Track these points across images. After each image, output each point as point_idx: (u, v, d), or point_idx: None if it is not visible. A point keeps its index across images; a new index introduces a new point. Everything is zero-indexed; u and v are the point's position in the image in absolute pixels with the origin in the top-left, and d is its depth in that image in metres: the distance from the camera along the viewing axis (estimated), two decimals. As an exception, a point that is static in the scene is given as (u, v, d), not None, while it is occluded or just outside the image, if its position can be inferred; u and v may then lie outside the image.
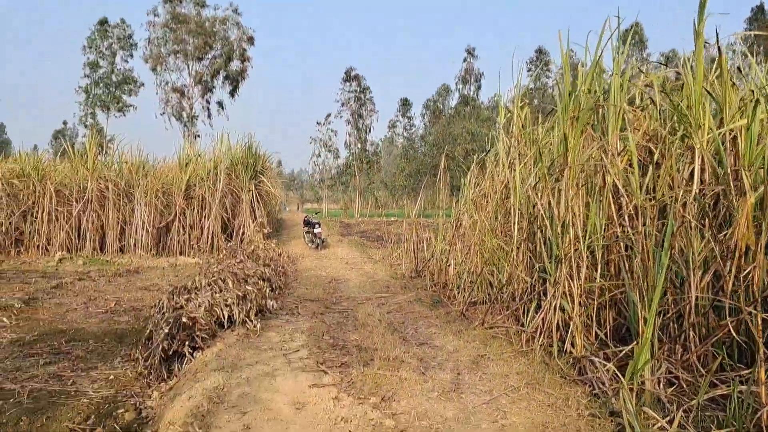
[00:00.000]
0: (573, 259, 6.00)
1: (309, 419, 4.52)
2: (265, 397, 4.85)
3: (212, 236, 18.75)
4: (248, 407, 4.68)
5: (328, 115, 54.27)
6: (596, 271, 6.02)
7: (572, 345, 5.87)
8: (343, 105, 53.77)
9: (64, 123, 77.20)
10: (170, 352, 6.09)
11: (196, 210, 19.03)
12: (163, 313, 6.58)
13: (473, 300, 8.85)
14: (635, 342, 5.07)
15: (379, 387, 5.15)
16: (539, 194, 6.98)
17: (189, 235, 18.69)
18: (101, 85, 51.62)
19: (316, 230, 19.10)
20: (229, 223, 19.54)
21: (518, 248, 7.80)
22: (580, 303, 5.93)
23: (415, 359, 6.06)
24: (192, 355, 6.15)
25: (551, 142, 7.96)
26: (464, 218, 10.80)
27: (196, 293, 6.89)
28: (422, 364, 5.89)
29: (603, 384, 4.94)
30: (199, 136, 50.88)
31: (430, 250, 13.61)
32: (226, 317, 6.87)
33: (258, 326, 7.05)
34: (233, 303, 6.96)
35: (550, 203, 6.83)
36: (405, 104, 60.41)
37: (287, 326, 7.49)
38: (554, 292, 6.20)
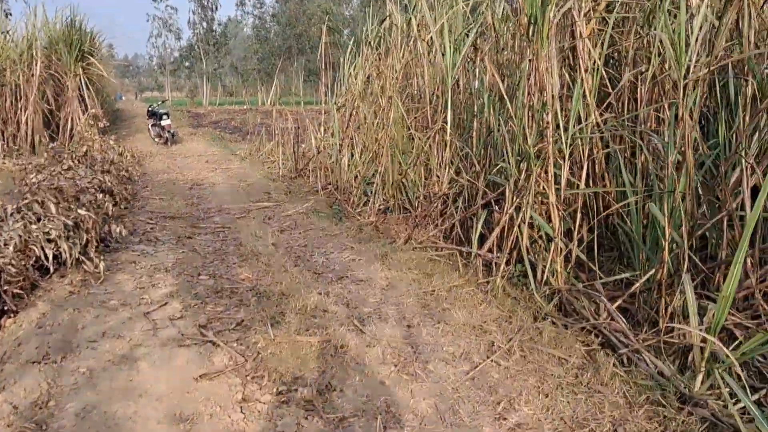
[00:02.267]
0: (549, 156, 4.41)
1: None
2: (124, 413, 2.88)
3: (32, 133, 15.16)
4: (94, 440, 2.72)
5: (166, -10, 47.57)
6: (581, 172, 4.51)
7: (551, 274, 4.41)
8: (182, -22, 47.28)
9: None
10: (-44, 326, 3.82)
11: (8, 101, 15.18)
12: (-58, 261, 4.17)
13: (384, 207, 7.17)
14: (656, 268, 3.67)
15: (304, 365, 3.37)
16: (488, 67, 5.20)
17: (2, 132, 14.95)
18: None
19: (164, 122, 16.07)
20: (52, 116, 15.91)
21: (448, 143, 6.12)
22: (559, 217, 4.42)
23: (341, 305, 4.31)
24: (-5, 325, 3.93)
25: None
26: (360, 106, 8.87)
27: (-4, 226, 4.50)
28: (354, 313, 4.16)
29: (623, 337, 3.54)
30: (11, 14, 42.58)
31: (311, 145, 11.60)
32: (51, 258, 4.60)
33: (101, 266, 4.86)
34: (60, 236, 4.66)
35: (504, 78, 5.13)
36: (253, -21, 54.49)
37: (144, 261, 5.35)
38: (519, 200, 4.63)
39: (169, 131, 15.92)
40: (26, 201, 4.83)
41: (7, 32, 15.45)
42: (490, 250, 4.96)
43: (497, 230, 4.88)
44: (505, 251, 4.75)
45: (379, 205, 7.26)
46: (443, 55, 6.85)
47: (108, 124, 15.84)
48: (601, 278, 4.29)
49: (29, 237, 4.49)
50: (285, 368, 3.31)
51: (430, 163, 6.81)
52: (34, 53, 15.01)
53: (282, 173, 10.84)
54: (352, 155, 9.15)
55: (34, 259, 4.52)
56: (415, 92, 8.09)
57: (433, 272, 4.95)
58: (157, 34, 47.93)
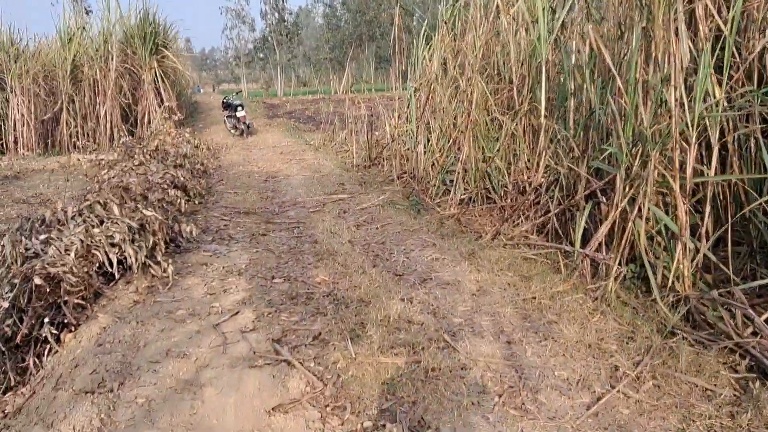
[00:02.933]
0: (676, 139, 3.71)
1: None
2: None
3: (111, 127, 15.46)
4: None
5: (238, -19, 48.20)
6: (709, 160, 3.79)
7: (676, 278, 3.74)
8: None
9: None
10: (19, 339, 3.58)
11: (87, 96, 15.53)
12: (8, 267, 3.96)
13: (465, 197, 6.60)
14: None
15: (391, 392, 2.89)
16: (591, 36, 4.50)
17: (82, 127, 15.32)
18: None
19: (239, 113, 16.02)
20: (130, 110, 16.17)
21: (543, 125, 5.47)
22: (685, 210, 3.73)
23: (426, 314, 3.80)
24: (58, 339, 3.67)
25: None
26: (437, 89, 8.30)
27: (60, 230, 4.26)
28: (442, 324, 3.65)
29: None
30: (91, 11, 44.34)
31: (385, 132, 11.13)
32: (116, 263, 4.33)
33: (170, 270, 4.56)
34: (124, 239, 4.38)
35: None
36: (323, -33, 54.47)
37: (216, 263, 5.03)
38: (633, 190, 3.96)
39: (244, 123, 15.86)
40: (88, 202, 4.57)
41: (84, 28, 15.76)
42: (596, 249, 4.32)
43: (606, 225, 4.22)
44: (617, 250, 4.10)
45: (461, 195, 6.69)
46: (532, 26, 6.20)
47: (182, 116, 15.94)
48: (736, 283, 3.59)
49: (91, 242, 4.22)
50: (369, 397, 2.84)
51: (518, 149, 6.18)
52: (110, 48, 15.25)
53: (356, 162, 10.42)
54: (428, 141, 8.61)
55: (97, 265, 4.26)
56: (494, 72, 7.46)
57: (530, 274, 4.35)
58: (231, 26, 48.83)
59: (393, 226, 6.01)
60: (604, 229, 4.24)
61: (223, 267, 4.91)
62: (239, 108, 16.02)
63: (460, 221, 6.03)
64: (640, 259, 4.02)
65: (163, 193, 6.75)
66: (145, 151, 8.25)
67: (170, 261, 4.67)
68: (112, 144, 14.77)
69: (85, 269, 4.14)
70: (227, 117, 16.72)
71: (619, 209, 4.05)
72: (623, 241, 3.99)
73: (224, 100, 17.47)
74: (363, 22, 47.44)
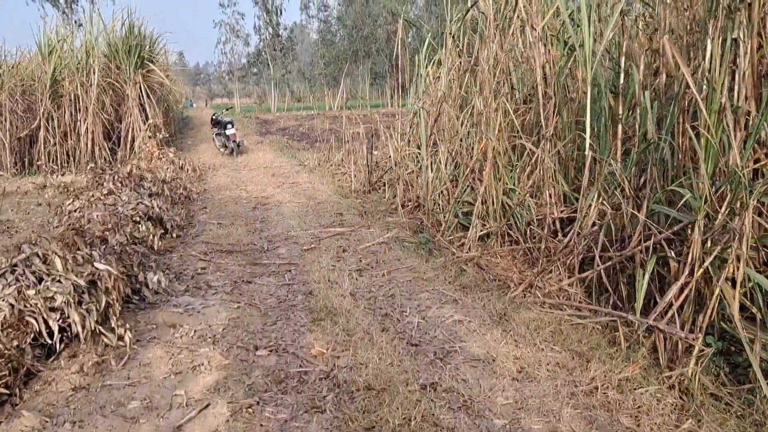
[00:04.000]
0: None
1: None
2: None
3: (92, 145, 14.53)
4: None
5: (232, -6, 47.38)
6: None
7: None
8: (248, -17, 47.23)
9: None
10: None
11: (68, 112, 14.62)
12: None
13: (483, 233, 5.70)
14: None
15: None
16: (667, 48, 3.62)
17: (60, 145, 14.38)
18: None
19: (228, 131, 15.10)
20: (113, 127, 15.24)
21: (588, 157, 4.59)
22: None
23: (457, 411, 2.88)
24: (-36, 449, 2.73)
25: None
26: (445, 108, 7.44)
27: (-16, 291, 3.34)
28: (481, 429, 2.73)
29: None
30: (81, 24, 43.42)
31: (385, 154, 10.26)
32: (56, 332, 3.39)
33: (127, 338, 3.63)
34: (68, 302, 3.45)
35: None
36: (318, -18, 53.87)
37: (187, 324, 4.09)
38: (718, 246, 3.07)
39: (234, 141, 14.96)
40: (24, 255, 3.64)
41: (65, 41, 14.88)
42: (662, 316, 3.41)
43: (675, 287, 3.33)
44: (690, 320, 3.21)
45: (478, 233, 5.80)
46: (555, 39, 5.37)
47: (169, 134, 15.04)
48: None
49: (25, 306, 3.29)
50: None
51: (545, 181, 5.29)
52: (92, 61, 14.37)
53: (354, 187, 9.52)
54: (436, 167, 7.75)
55: (32, 336, 3.32)
56: (509, 91, 6.64)
57: (582, 350, 3.44)
58: (225, 40, 48.09)
59: (402, 272, 5.09)
60: (672, 293, 3.34)
61: (196, 330, 3.98)
62: (229, 125, 15.12)
63: (480, 266, 5.13)
64: (720, 330, 3.14)
65: (134, 227, 5.85)
66: (116, 177, 7.32)
67: (128, 326, 3.73)
68: (95, 162, 13.87)
69: (15, 342, 3.21)
70: (216, 135, 15.81)
71: (700, 270, 3.15)
72: (707, 312, 3.09)
73: (213, 117, 16.56)
74: (359, 38, 46.82)
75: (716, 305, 3.05)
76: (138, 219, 6.27)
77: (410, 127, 9.15)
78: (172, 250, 6.16)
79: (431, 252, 5.65)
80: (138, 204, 6.61)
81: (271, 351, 3.65)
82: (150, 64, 15.55)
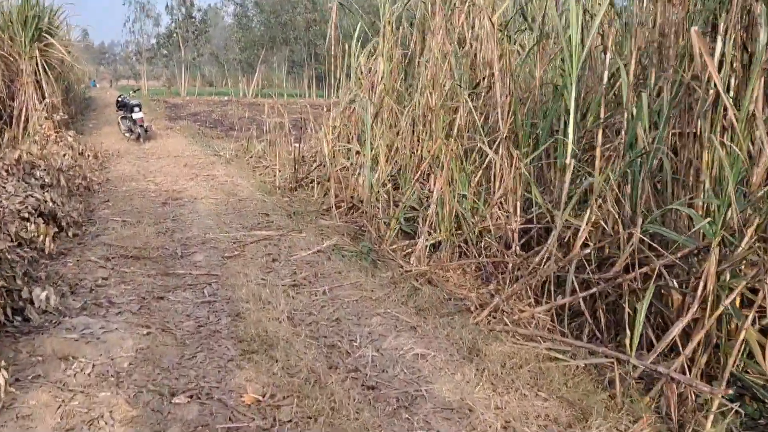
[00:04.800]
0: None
1: None
2: None
3: (-22, 123, 12.83)
4: None
5: (144, -28, 44.59)
6: None
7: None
8: (160, -41, 44.70)
9: None
10: None
11: (-50, 88, 12.85)
12: None
13: (430, 242, 5.12)
14: None
15: None
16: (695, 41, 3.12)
17: (-60, 125, 12.60)
18: None
19: (135, 115, 13.76)
20: (4, 106, 13.54)
21: (568, 165, 4.11)
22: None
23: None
24: None
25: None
26: (389, 103, 6.82)
27: None
28: None
29: None
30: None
31: (315, 148, 9.52)
32: None
33: (1, 379, 2.76)
34: None
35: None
36: (236, -36, 51.55)
37: (84, 355, 3.23)
38: (736, 279, 2.63)
39: (141, 126, 13.66)
40: None
41: (-53, 6, 13.09)
42: (664, 357, 2.95)
43: (679, 326, 2.86)
44: (699, 366, 2.76)
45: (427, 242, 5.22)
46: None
47: (69, 115, 13.55)
48: None
49: None
50: None
51: (514, 192, 4.78)
52: (-18, 32, 12.71)
53: (278, 183, 8.72)
54: (372, 167, 7.14)
55: None
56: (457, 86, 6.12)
57: (574, 398, 2.91)
58: (134, 18, 45.24)
59: (346, 289, 4.41)
60: (677, 330, 2.87)
61: (94, 365, 3.14)
62: (136, 108, 13.78)
63: (432, 282, 4.54)
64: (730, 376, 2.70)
65: (21, 225, 4.86)
66: (1, 164, 6.17)
67: (2, 363, 2.86)
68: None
69: None
70: (121, 118, 14.40)
71: (718, 310, 2.68)
72: (728, 362, 2.63)
73: (119, 99, 15.10)
74: (277, 24, 45.39)
75: (741, 354, 2.60)
76: (27, 215, 5.26)
77: (340, 120, 8.46)
78: (67, 252, 5.19)
79: (375, 264, 5.01)
80: (27, 197, 5.56)
81: (191, 397, 2.89)
82: (49, 37, 13.91)
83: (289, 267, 4.93)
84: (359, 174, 7.38)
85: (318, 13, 46.48)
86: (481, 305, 4.00)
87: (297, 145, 10.01)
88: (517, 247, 4.61)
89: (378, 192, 6.21)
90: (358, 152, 7.71)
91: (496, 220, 4.93)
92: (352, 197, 7.29)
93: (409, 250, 5.32)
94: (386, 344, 3.48)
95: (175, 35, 45.31)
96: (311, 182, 8.72)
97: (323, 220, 6.64)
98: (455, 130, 4.99)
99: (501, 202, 5.16)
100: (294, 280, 4.57)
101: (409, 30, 7.98)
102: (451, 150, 4.83)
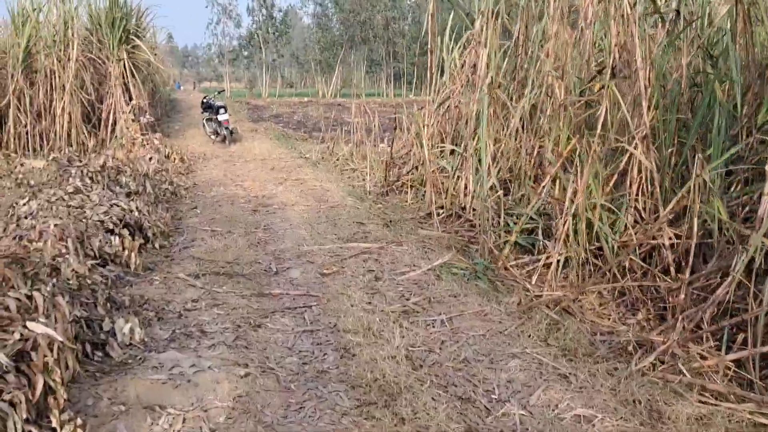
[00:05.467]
0: None
1: None
2: None
3: (69, 126, 12.98)
4: None
5: (225, -26, 45.53)
6: None
7: None
8: (242, -38, 45.52)
9: None
10: None
11: (42, 89, 13.04)
12: None
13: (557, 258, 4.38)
14: None
15: None
16: None
17: (33, 126, 12.83)
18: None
19: (221, 116, 13.62)
20: (93, 108, 13.69)
21: None
22: None
23: None
24: None
25: None
26: (499, 97, 6.11)
27: None
28: None
29: None
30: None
31: (401, 149, 8.93)
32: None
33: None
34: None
35: None
36: (314, -36, 51.83)
37: (172, 406, 2.72)
38: None
39: (226, 128, 13.50)
40: None
41: (40, 9, 13.30)
42: None
43: None
44: None
45: (549, 258, 4.49)
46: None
47: (155, 118, 13.54)
48: None
49: None
50: None
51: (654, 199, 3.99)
52: (71, 34, 12.82)
53: (369, 188, 8.17)
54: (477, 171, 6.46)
55: None
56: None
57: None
58: (217, 21, 46.25)
59: (468, 318, 3.74)
60: None
61: (185, 419, 2.62)
62: (221, 110, 13.63)
63: (568, 310, 3.81)
64: None
65: (105, 239, 4.48)
66: (85, 171, 5.89)
67: (79, 421, 2.37)
68: (71, 146, 12.34)
69: None
70: (207, 120, 14.32)
71: None
72: None
73: (204, 100, 15.05)
74: (356, 23, 45.22)
75: None
76: (111, 226, 4.91)
77: (434, 119, 7.79)
78: (153, 268, 4.79)
79: (494, 285, 4.32)
80: (111, 206, 5.24)
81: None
82: (135, 40, 14.01)
83: (395, 288, 4.32)
84: (459, 177, 6.73)
85: (397, 11, 46.07)
86: (640, 345, 3.24)
87: (387, 146, 9.47)
88: (687, 269, 3.81)
89: (486, 198, 5.50)
90: (455, 153, 7.06)
91: (641, 233, 4.15)
92: (452, 203, 6.63)
93: (530, 267, 4.61)
94: (534, 399, 2.79)
95: (256, 36, 45.97)
96: (402, 186, 8.14)
97: (423, 230, 6.02)
98: (598, 127, 4.21)
99: (639, 209, 4.40)
100: (404, 306, 3.94)
101: (509, 20, 7.26)
102: (594, 151, 4.06)
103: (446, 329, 3.57)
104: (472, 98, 6.77)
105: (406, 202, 7.45)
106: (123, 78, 13.53)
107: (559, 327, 3.50)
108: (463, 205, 6.48)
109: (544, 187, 4.58)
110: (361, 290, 4.26)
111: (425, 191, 7.11)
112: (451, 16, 8.23)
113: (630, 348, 3.24)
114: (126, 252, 4.57)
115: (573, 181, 4.23)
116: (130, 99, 13.18)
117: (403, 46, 45.31)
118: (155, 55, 17.63)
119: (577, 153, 4.25)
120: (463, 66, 7.76)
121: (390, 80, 47.89)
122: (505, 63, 6.89)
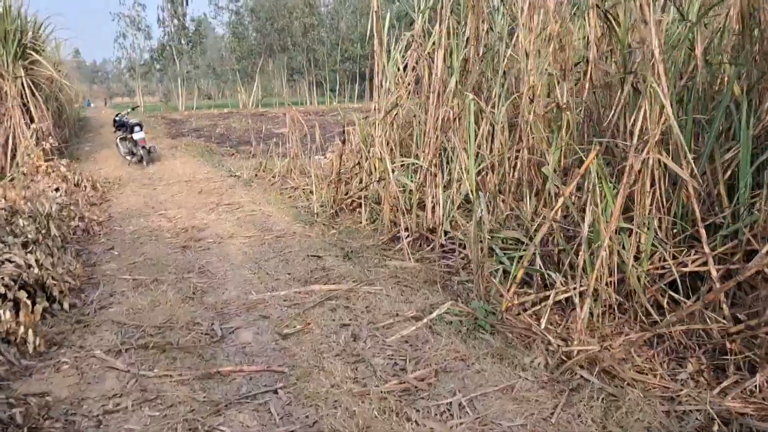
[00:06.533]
0: None
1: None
2: None
3: (-43, 157, 11.29)
4: None
5: (131, -16, 43.09)
6: None
7: None
8: (148, -29, 43.15)
9: None
10: None
11: (-76, 115, 11.32)
12: None
13: (563, 297, 3.59)
14: None
15: None
16: None
17: None
18: None
19: (136, 134, 12.20)
20: (-12, 133, 12.01)
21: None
22: None
23: None
24: None
25: None
26: (468, 102, 5.29)
27: None
28: None
29: None
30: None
31: (346, 161, 7.98)
32: None
33: None
34: None
35: None
36: (226, -29, 49.80)
37: None
38: None
39: (143, 147, 12.12)
40: None
41: None
42: None
43: None
44: None
45: (558, 294, 3.69)
46: None
47: (61, 141, 11.98)
48: None
49: None
50: None
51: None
52: (-44, 50, 11.21)
53: (316, 209, 7.18)
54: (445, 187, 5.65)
55: None
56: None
57: None
58: (125, 33, 43.61)
59: (493, 398, 2.82)
60: None
61: None
62: (137, 128, 12.23)
63: (609, 371, 2.99)
64: None
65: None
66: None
67: None
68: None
69: None
70: (120, 140, 12.86)
71: None
72: None
73: (116, 118, 13.55)
74: (273, 31, 43.87)
75: None
76: (2, 290, 3.75)
77: (382, 129, 6.91)
78: (61, 341, 3.67)
79: (506, 339, 3.46)
80: (2, 263, 4.05)
81: None
82: (34, 54, 12.39)
83: (382, 352, 3.38)
84: (423, 194, 5.88)
85: (315, 17, 44.99)
86: (722, 419, 2.45)
87: (325, 159, 8.54)
88: (724, 306, 3.09)
89: (481, 226, 4.60)
90: (412, 166, 6.23)
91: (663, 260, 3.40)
92: (418, 224, 5.76)
93: (538, 307, 3.79)
94: None
95: (168, 48, 43.79)
96: (352, 203, 7.23)
97: (392, 260, 5.11)
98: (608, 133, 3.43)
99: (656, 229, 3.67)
100: (402, 382, 3.01)
101: (454, 17, 6.50)
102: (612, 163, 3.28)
103: (469, 419, 2.66)
104: (428, 104, 5.97)
105: (360, 223, 6.54)
106: (22, 98, 11.87)
107: (618, 403, 2.66)
108: (431, 226, 5.63)
109: (554, 210, 3.75)
110: (338, 358, 3.30)
111: (381, 209, 6.23)
112: (388, 15, 7.38)
113: (715, 428, 2.44)
114: (21, 330, 3.43)
115: (590, 202, 3.43)
116: (32, 121, 11.58)
117: (323, 53, 44.42)
118: (59, 70, 15.92)
119: (594, 166, 3.44)
120: (405, 69, 6.97)
121: (312, 88, 46.83)
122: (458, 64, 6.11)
